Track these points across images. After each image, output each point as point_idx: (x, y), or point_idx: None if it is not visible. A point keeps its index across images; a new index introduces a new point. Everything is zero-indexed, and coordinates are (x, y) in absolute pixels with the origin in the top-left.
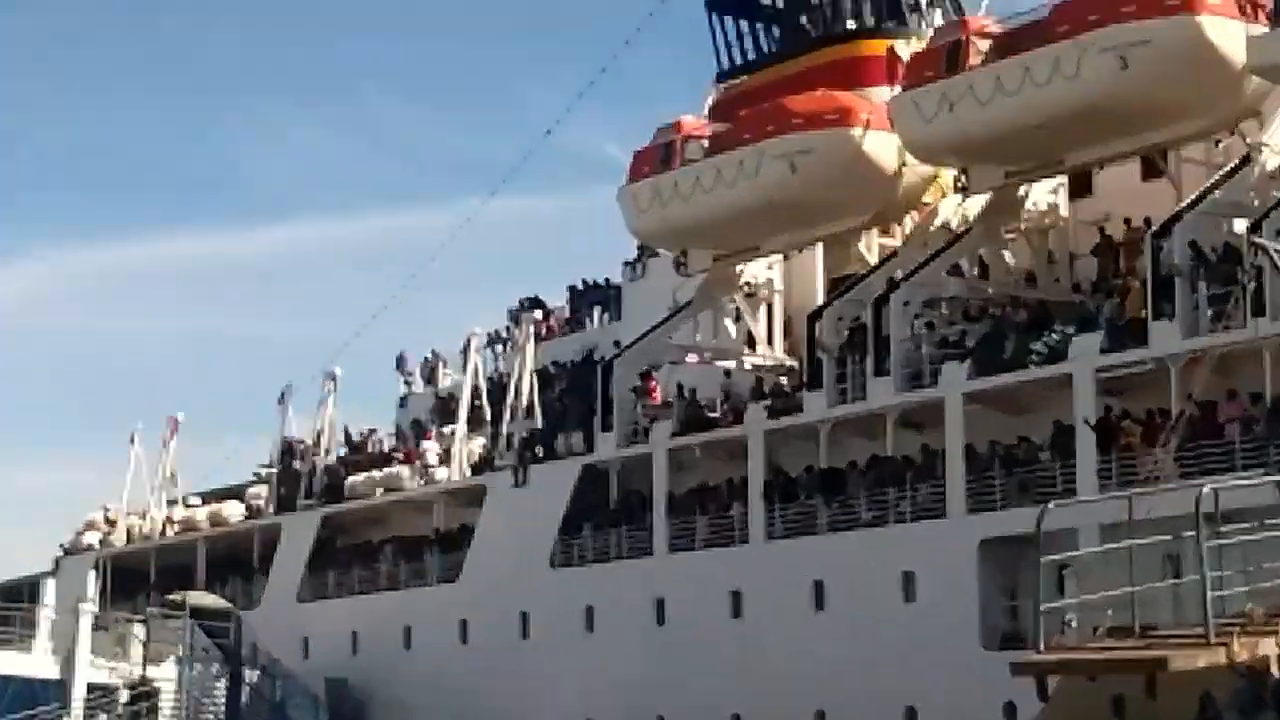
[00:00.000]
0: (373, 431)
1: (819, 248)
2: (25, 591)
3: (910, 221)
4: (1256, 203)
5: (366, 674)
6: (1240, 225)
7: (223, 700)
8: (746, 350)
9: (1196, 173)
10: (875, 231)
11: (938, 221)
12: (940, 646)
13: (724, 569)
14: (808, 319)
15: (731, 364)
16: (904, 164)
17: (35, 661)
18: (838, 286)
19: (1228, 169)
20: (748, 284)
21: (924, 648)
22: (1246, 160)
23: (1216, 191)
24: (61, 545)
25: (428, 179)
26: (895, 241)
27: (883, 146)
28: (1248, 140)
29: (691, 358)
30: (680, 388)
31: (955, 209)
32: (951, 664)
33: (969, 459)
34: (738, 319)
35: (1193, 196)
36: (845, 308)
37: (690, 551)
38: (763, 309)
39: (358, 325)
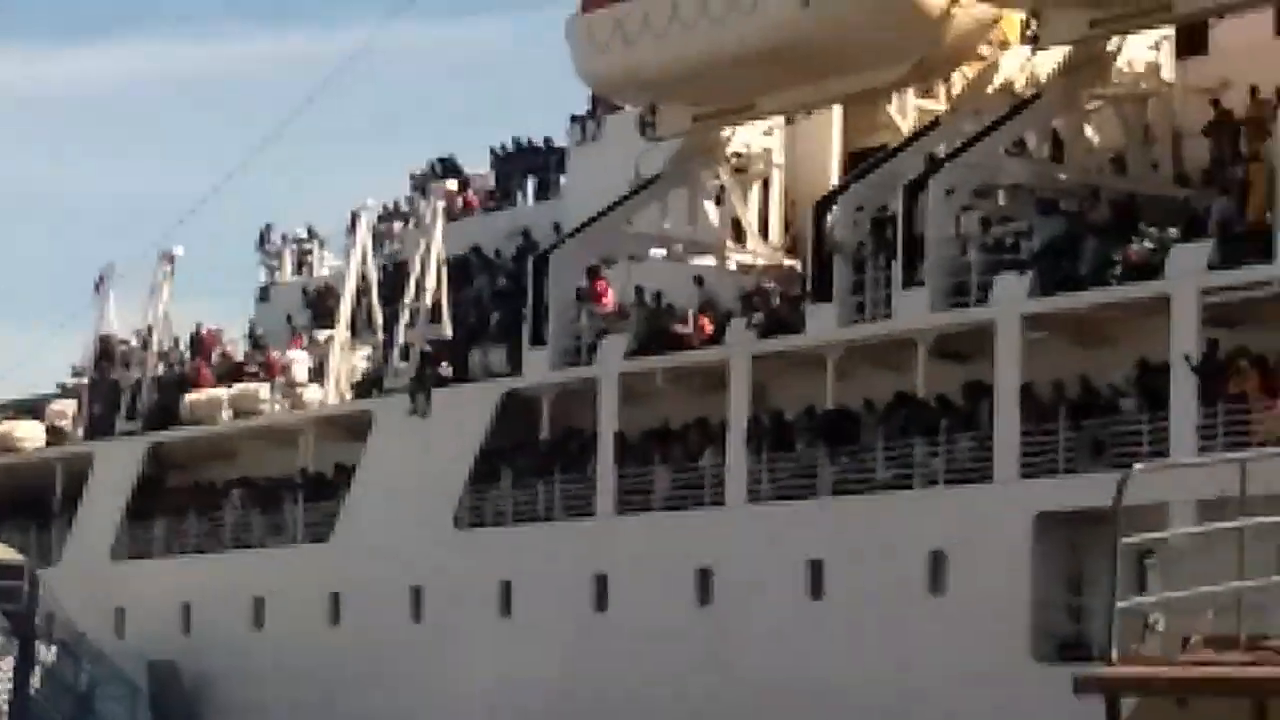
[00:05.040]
0: (219, 333)
1: (835, 110)
2: None
3: (960, 79)
4: None
5: (202, 658)
6: None
7: (7, 685)
8: (732, 244)
9: None
10: (911, 91)
11: (997, 81)
12: (977, 653)
13: (689, 539)
14: (815, 206)
15: (711, 262)
16: (955, 1)
17: None
18: (858, 164)
19: None
20: (737, 155)
21: (955, 654)
22: None
23: None
24: None
25: None
26: (939, 105)
27: None
28: None
29: (657, 252)
30: (640, 292)
31: (1022, 65)
32: (992, 677)
33: (1026, 404)
34: (720, 202)
35: None
36: (868, 193)
37: (645, 513)
38: (756, 190)
39: (206, 188)
